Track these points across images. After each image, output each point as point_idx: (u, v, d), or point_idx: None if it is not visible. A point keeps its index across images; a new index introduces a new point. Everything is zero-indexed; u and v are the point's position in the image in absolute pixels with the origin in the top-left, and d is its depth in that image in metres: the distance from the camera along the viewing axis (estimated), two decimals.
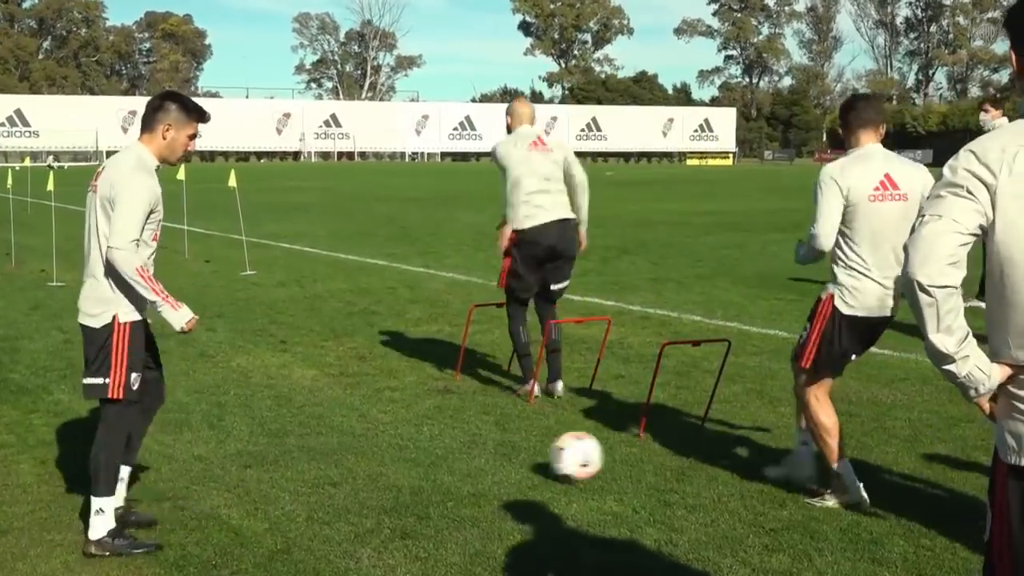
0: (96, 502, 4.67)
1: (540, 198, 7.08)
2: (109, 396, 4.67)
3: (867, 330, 5.18)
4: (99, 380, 4.66)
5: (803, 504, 5.13)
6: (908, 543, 4.65)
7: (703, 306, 11.11)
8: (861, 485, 5.10)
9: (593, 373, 7.66)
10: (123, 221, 4.52)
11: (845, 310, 5.07)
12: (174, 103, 4.74)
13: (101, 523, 4.66)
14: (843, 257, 5.07)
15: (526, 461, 5.85)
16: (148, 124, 4.72)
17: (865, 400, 7.14)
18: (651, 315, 10.60)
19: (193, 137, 4.81)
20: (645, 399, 6.69)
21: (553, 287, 7.30)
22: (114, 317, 4.65)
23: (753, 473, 5.61)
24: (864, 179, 4.99)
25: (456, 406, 7.06)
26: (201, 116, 4.81)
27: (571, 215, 7.25)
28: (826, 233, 5.03)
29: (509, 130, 7.11)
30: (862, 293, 5.04)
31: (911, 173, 5.12)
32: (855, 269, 5.04)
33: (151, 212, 4.62)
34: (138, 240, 4.55)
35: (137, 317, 4.71)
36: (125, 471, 4.91)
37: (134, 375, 4.68)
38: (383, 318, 10.53)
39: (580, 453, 5.40)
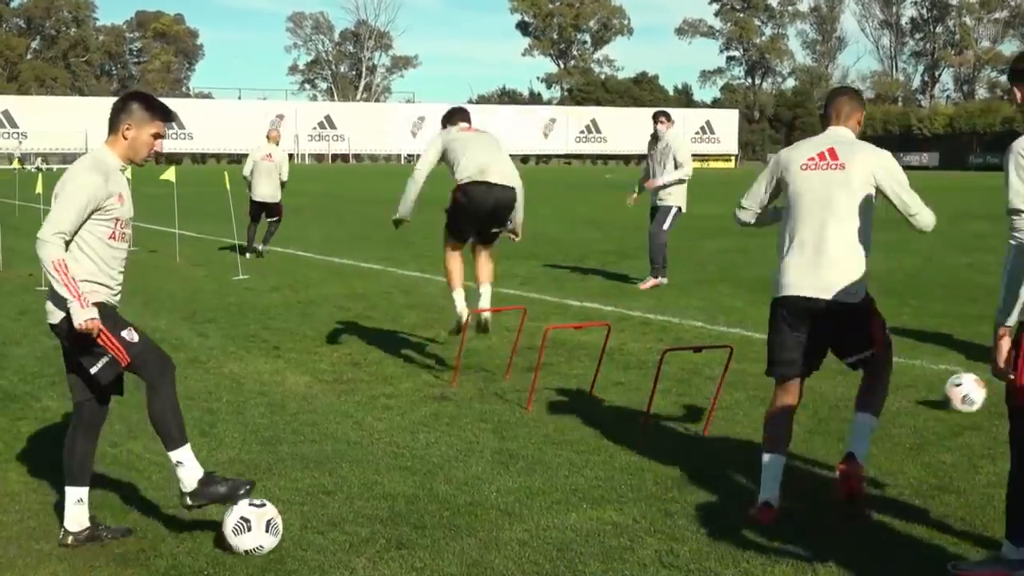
0: (174, 455, 4.69)
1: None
2: (122, 365, 4.65)
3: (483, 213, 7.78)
4: (102, 361, 4.64)
5: (806, 514, 5.06)
6: (913, 553, 4.59)
7: (705, 312, 11.04)
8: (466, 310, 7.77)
9: (592, 380, 7.58)
10: (54, 213, 4.55)
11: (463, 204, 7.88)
12: (136, 102, 4.75)
13: (188, 474, 4.70)
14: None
15: (524, 469, 5.78)
16: (112, 125, 4.75)
17: None
18: (652, 321, 10.52)
19: (157, 136, 4.77)
20: (645, 406, 6.63)
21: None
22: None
23: (755, 482, 5.53)
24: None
25: (452, 413, 6.98)
26: (165, 115, 4.79)
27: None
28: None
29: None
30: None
31: None
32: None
33: (99, 209, 4.59)
34: (66, 234, 4.53)
35: (95, 299, 4.63)
36: (83, 492, 4.83)
37: (124, 332, 4.66)
38: (378, 323, 10.45)
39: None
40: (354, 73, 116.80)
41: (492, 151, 7.93)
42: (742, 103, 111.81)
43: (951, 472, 5.69)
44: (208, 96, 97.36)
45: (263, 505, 4.74)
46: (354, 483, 5.54)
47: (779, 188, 5.37)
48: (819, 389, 7.43)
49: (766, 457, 5.17)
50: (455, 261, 8.06)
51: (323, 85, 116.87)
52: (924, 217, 5.21)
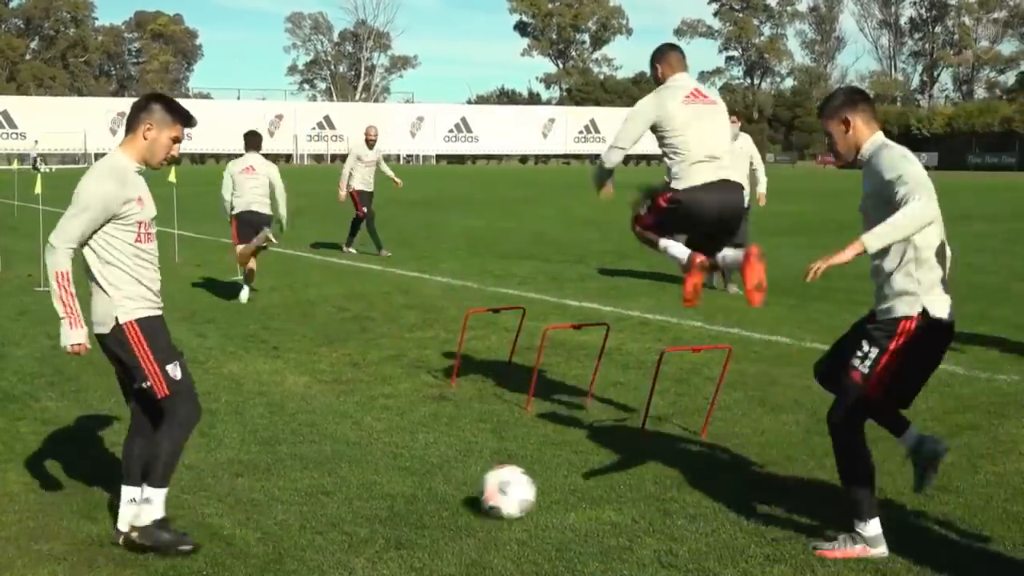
0: (147, 491, 4.66)
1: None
2: (158, 396, 4.65)
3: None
4: (145, 384, 4.65)
5: (805, 513, 5.05)
6: (913, 553, 4.57)
7: (703, 312, 10.98)
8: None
9: (591, 380, 7.58)
10: (64, 220, 4.52)
11: None
12: (158, 103, 4.71)
13: (147, 512, 4.65)
14: None
15: (523, 470, 5.75)
16: (131, 125, 4.70)
17: None
18: (650, 321, 10.52)
19: (176, 140, 4.75)
20: (644, 406, 6.62)
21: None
22: (115, 319, 4.60)
23: (755, 482, 5.53)
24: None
25: (452, 413, 6.97)
26: (186, 120, 4.75)
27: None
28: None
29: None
30: None
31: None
32: None
33: (116, 216, 4.56)
34: (74, 243, 4.49)
35: (142, 314, 4.64)
36: (137, 492, 4.78)
37: (169, 367, 4.65)
38: (377, 324, 10.43)
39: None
40: (353, 73, 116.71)
41: (264, 185, 12.23)
42: (741, 103, 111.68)
43: (950, 472, 5.68)
44: (207, 96, 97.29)
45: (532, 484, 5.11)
46: (353, 483, 5.54)
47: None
48: (818, 389, 7.40)
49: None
50: (245, 250, 12.19)
51: (322, 85, 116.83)
52: None
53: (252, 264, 12.11)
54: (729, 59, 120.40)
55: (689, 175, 5.96)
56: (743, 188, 6.32)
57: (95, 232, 4.57)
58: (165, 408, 4.69)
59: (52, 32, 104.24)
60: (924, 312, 4.54)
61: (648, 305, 11.53)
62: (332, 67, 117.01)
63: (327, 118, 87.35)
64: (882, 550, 4.57)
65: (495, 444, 6.26)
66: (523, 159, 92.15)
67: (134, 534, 4.65)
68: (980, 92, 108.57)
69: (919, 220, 4.34)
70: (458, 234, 20.65)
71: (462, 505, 5.21)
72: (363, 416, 6.92)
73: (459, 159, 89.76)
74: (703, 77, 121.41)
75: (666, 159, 6.10)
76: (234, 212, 12.18)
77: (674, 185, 6.00)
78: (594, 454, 6.05)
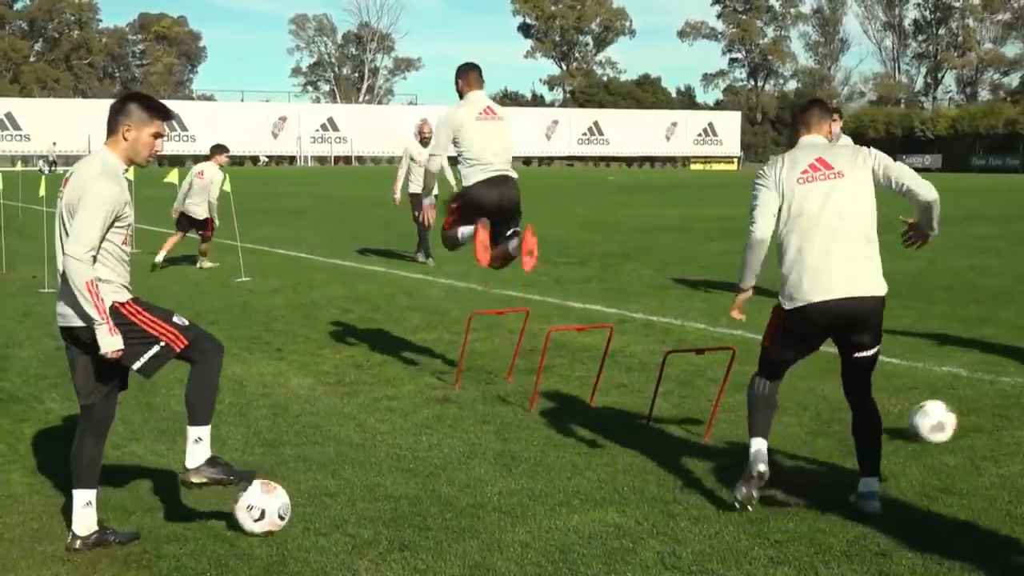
0: (195, 431, 4.72)
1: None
2: (175, 349, 4.69)
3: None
4: (153, 350, 4.67)
5: (809, 515, 5.05)
6: (916, 556, 4.58)
7: (707, 314, 11.01)
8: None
9: (595, 382, 7.58)
10: (82, 228, 4.48)
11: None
12: (134, 103, 4.73)
13: (200, 451, 4.73)
14: None
15: (526, 471, 5.77)
16: (111, 127, 4.71)
17: None
18: (654, 323, 10.51)
19: (158, 136, 4.76)
20: (648, 408, 6.62)
21: None
22: (112, 303, 4.60)
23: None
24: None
25: (455, 415, 6.98)
26: (164, 114, 4.77)
27: None
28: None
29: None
30: None
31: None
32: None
33: (117, 218, 4.59)
34: (95, 250, 4.50)
35: (129, 296, 4.70)
36: (92, 495, 4.79)
37: (175, 318, 4.75)
38: (381, 326, 10.43)
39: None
40: (356, 75, 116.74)
41: (206, 190, 15.01)
42: (744, 105, 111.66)
43: (954, 474, 5.68)
44: (211, 98, 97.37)
45: (275, 489, 4.80)
46: (357, 485, 5.54)
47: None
48: (821, 391, 7.43)
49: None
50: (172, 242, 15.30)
51: (325, 87, 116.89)
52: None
53: (167, 248, 15.02)
54: (733, 61, 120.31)
55: (473, 175, 7.55)
56: (515, 183, 7.70)
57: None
58: (192, 356, 4.75)
59: (56, 34, 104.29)
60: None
61: (652, 307, 11.52)
62: (336, 69, 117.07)
63: (331, 120, 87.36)
64: (760, 467, 5.12)
65: (498, 446, 6.26)
66: (526, 161, 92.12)
67: (191, 476, 4.71)
68: (984, 94, 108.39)
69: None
70: None
71: (465, 507, 5.21)
72: (367, 418, 6.92)
73: None
74: (707, 79, 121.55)
75: (460, 163, 7.64)
76: (182, 209, 15.13)
77: (464, 184, 7.63)
78: (597, 456, 6.05)
